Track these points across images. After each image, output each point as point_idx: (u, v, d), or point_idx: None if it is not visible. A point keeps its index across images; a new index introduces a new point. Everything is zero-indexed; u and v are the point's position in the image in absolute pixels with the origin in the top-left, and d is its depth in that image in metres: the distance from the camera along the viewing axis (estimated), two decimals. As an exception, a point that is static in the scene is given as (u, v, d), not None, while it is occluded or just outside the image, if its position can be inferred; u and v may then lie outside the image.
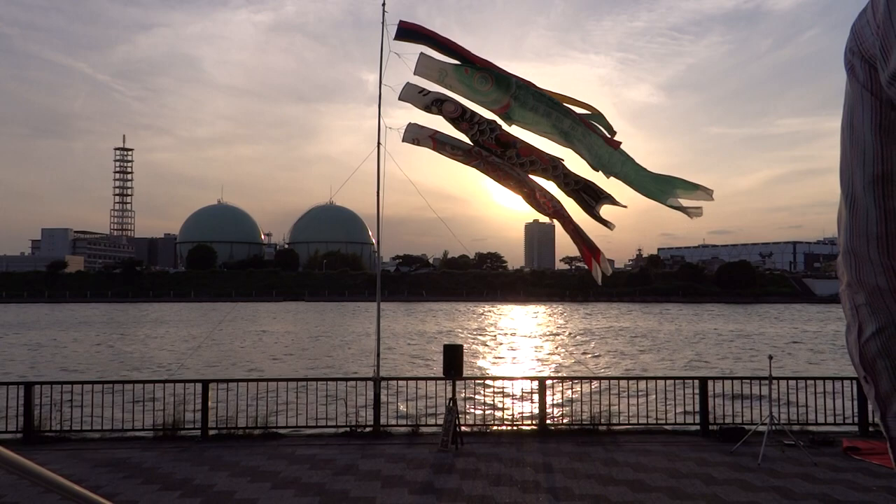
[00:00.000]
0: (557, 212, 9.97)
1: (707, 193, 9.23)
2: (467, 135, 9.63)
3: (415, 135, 10.10)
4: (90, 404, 11.59)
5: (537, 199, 9.89)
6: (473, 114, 9.48)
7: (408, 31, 9.49)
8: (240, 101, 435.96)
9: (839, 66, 0.79)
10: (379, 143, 11.23)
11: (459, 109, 9.45)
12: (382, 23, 10.36)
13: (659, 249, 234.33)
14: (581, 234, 9.91)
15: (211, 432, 11.48)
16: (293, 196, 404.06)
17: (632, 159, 9.11)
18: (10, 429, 11.36)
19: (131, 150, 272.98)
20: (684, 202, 9.10)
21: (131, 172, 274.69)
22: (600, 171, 9.23)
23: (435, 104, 9.45)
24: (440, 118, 9.65)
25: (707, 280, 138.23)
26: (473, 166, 10.03)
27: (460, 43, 9.44)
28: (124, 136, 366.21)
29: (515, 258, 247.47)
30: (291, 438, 11.43)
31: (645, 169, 9.14)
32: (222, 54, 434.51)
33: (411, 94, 9.52)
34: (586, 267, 10.17)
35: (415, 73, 9.34)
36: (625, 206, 9.45)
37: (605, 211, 9.41)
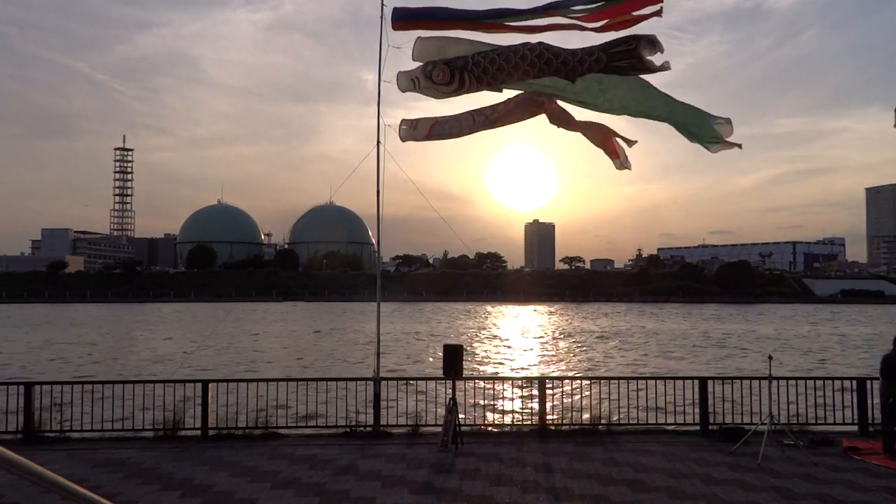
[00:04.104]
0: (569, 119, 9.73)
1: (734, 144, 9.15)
2: (465, 90, 9.29)
3: (411, 127, 10.06)
4: (90, 404, 11.59)
5: (553, 109, 9.65)
6: (465, 63, 9.13)
7: (404, 13, 9.44)
8: (239, 100, 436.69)
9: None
10: (378, 142, 11.19)
11: (448, 73, 9.15)
12: (381, 18, 10.31)
13: (659, 249, 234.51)
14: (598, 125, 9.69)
15: (211, 432, 11.47)
16: (293, 196, 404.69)
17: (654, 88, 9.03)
18: (10, 429, 11.35)
19: (131, 150, 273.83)
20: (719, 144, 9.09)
21: (131, 172, 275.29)
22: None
23: (426, 75, 9.27)
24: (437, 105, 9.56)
25: (707, 280, 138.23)
26: (479, 129, 9.88)
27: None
28: (124, 136, 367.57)
29: (515, 258, 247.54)
30: (291, 438, 11.41)
31: (673, 100, 9.06)
32: (221, 54, 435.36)
33: (405, 83, 9.48)
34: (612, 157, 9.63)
35: (413, 59, 9.29)
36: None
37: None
